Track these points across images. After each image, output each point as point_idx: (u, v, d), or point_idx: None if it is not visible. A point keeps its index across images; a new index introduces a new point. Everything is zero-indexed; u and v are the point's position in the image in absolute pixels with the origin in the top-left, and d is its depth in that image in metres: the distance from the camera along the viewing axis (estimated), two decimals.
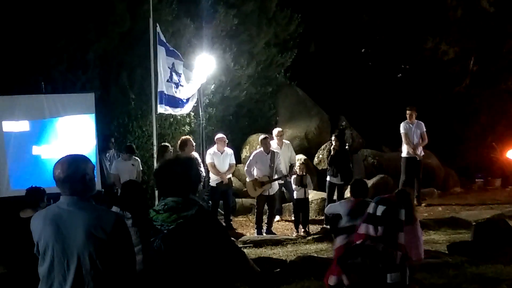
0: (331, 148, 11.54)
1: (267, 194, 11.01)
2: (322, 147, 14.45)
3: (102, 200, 10.07)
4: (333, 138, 11.65)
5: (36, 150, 10.52)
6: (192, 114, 13.29)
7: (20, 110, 10.47)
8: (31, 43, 11.61)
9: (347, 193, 11.17)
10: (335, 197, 11.26)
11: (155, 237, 3.41)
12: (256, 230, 11.05)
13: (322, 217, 11.59)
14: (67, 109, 10.65)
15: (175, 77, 11.20)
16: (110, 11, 12.38)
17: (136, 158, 11.40)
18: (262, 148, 11.08)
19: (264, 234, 10.90)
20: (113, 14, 12.43)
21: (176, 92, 11.21)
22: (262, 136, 11.42)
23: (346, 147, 14.47)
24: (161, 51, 10.89)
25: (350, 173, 11.27)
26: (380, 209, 3.95)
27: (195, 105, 12.14)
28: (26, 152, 10.50)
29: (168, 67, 11.10)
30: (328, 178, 11.40)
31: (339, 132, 12.12)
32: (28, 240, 3.62)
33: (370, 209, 4.02)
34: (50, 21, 11.71)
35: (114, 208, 5.64)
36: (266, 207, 11.26)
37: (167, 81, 11.02)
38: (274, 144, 11.48)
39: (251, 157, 11.28)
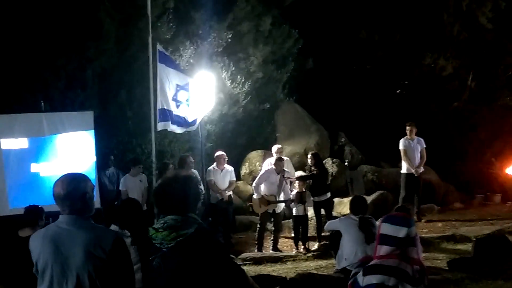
0: (307, 168, 11.60)
1: (272, 211, 11.00)
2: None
3: (101, 218, 10.04)
4: (309, 156, 11.66)
5: (35, 167, 10.47)
6: (191, 131, 13.30)
7: (18, 128, 10.44)
8: (29, 62, 11.66)
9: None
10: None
11: (155, 255, 3.39)
12: (256, 247, 11.01)
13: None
14: (66, 127, 10.63)
15: (179, 96, 11.10)
16: (104, 29, 12.44)
17: (142, 174, 11.36)
18: (274, 167, 11.05)
19: (271, 251, 10.89)
20: (106, 32, 12.47)
21: (179, 110, 11.12)
22: (276, 157, 11.36)
23: (346, 163, 14.52)
24: (163, 68, 10.81)
25: (324, 190, 11.28)
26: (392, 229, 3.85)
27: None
28: (25, 169, 10.45)
29: (175, 85, 11.02)
30: (311, 198, 11.38)
31: (315, 152, 12.18)
32: (27, 259, 3.62)
33: (385, 230, 3.88)
34: (49, 40, 11.77)
35: (113, 227, 5.63)
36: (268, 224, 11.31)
37: (172, 99, 10.94)
38: (273, 161, 11.45)
39: (260, 174, 11.28)
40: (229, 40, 15.03)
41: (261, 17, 16.05)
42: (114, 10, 12.56)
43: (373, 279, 3.72)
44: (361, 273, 3.81)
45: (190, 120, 11.37)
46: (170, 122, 10.96)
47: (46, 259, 3.46)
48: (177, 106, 11.05)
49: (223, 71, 14.68)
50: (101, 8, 12.34)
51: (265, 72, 16.14)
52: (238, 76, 15.22)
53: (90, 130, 10.70)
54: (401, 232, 3.77)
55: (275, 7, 16.48)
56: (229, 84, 14.95)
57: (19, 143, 10.43)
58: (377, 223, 4.12)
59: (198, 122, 11.59)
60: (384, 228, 3.84)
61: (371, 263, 3.86)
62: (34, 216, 6.79)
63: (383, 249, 3.79)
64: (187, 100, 11.21)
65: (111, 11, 12.50)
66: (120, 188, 11.19)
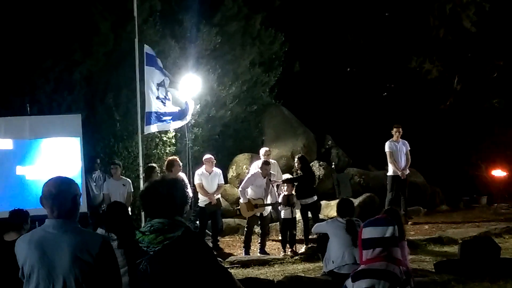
0: (294, 170, 11.69)
1: (259, 214, 11.01)
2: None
3: (87, 222, 10.00)
4: (296, 159, 11.69)
5: (20, 170, 10.39)
6: (178, 134, 13.28)
7: (3, 130, 10.37)
8: (16, 65, 11.59)
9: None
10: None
11: (141, 258, 3.38)
12: (244, 250, 11.00)
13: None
14: (53, 131, 10.57)
15: (162, 93, 11.11)
16: (94, 32, 12.40)
17: (127, 179, 11.33)
18: (260, 171, 11.04)
19: (258, 254, 10.88)
20: (97, 34, 12.44)
21: (163, 107, 11.11)
22: (262, 160, 11.34)
23: (333, 165, 14.55)
24: (150, 71, 10.82)
25: (311, 193, 11.25)
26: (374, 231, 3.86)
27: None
28: (10, 172, 10.37)
29: (158, 84, 11.03)
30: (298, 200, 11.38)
31: (302, 155, 12.23)
32: (13, 263, 3.59)
33: (369, 234, 3.90)
34: (36, 43, 11.71)
35: (99, 230, 5.61)
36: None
37: (157, 98, 10.95)
38: (260, 164, 11.44)
39: (247, 178, 11.23)
40: (218, 41, 15.00)
41: (249, 18, 16.07)
42: (102, 13, 12.52)
43: (362, 283, 3.72)
44: (350, 280, 3.82)
45: (183, 107, 11.40)
46: (159, 123, 10.98)
47: (32, 264, 3.44)
48: (164, 104, 11.07)
49: (210, 74, 14.65)
50: (92, 10, 12.29)
51: (253, 74, 16.14)
52: (226, 79, 15.21)
53: (77, 136, 10.63)
54: (387, 231, 3.79)
55: (262, 9, 16.49)
56: (216, 87, 14.92)
57: (4, 143, 10.34)
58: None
59: (180, 122, 11.62)
60: (368, 232, 3.85)
61: (359, 268, 3.87)
62: (20, 219, 6.72)
63: (370, 253, 3.80)
64: (166, 95, 11.19)
65: (99, 13, 12.46)
66: (103, 192, 11.18)
